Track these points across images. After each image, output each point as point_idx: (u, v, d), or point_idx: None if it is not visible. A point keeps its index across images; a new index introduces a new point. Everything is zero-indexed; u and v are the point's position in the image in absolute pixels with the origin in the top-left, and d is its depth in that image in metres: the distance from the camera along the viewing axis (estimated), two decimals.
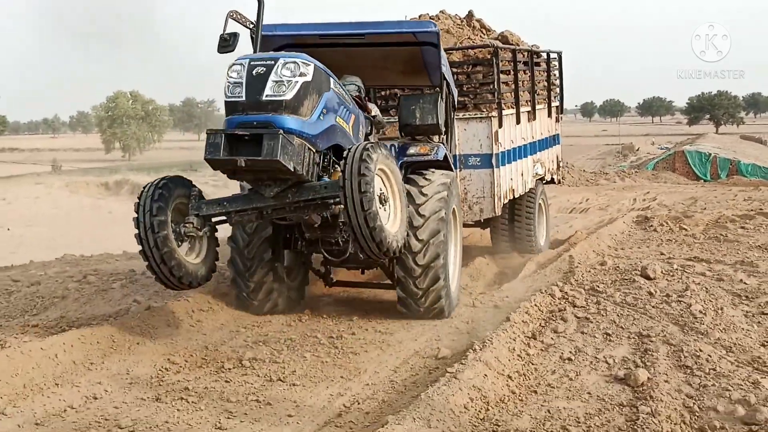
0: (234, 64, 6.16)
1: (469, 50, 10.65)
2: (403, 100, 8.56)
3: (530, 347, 6.45)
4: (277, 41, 8.19)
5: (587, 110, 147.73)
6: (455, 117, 9.44)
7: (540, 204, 11.89)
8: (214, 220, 6.65)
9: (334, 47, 8.30)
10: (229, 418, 5.19)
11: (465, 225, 10.44)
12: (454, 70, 10.00)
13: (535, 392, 5.55)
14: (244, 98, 6.03)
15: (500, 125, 10.15)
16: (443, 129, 8.50)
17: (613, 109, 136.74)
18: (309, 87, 6.19)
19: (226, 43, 6.68)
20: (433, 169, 7.96)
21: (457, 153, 9.95)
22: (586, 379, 5.76)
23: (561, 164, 14.12)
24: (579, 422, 4.95)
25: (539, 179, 12.09)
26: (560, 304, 7.67)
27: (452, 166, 8.69)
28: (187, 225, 6.38)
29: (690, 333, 6.70)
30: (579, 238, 12.14)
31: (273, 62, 6.10)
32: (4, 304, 8.36)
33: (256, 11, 6.91)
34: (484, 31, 11.91)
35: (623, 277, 8.59)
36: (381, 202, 6.12)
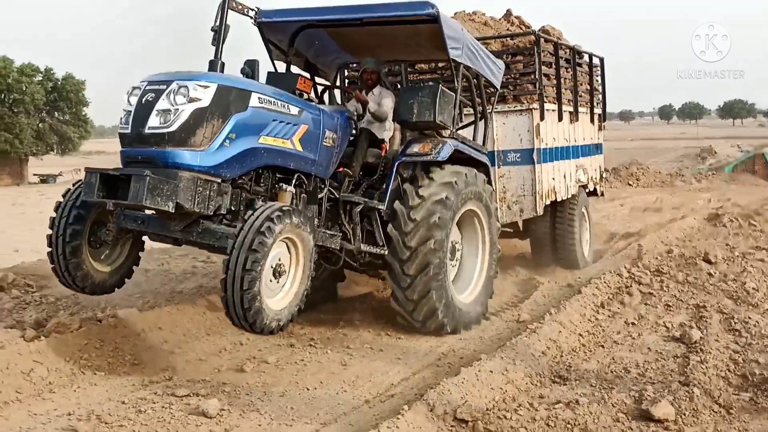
0: (133, 89, 5.74)
1: (509, 40, 10.10)
2: (401, 94, 7.82)
3: (599, 314, 7.51)
4: (288, 25, 7.66)
5: (665, 113, 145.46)
6: (493, 108, 8.69)
7: (583, 213, 11.31)
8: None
9: (350, 27, 7.71)
10: (351, 358, 6.44)
11: (502, 234, 9.54)
12: None
13: (602, 346, 6.63)
14: (129, 131, 5.59)
15: (542, 118, 9.58)
16: (448, 123, 7.55)
17: (692, 112, 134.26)
18: (205, 113, 5.52)
19: (218, 36, 6.16)
20: (445, 166, 7.32)
21: (495, 149, 9.44)
22: (646, 338, 6.80)
23: (604, 175, 13.42)
24: (638, 366, 6.01)
25: (582, 186, 11.47)
26: (627, 282, 8.67)
27: (483, 158, 8.05)
28: (107, 232, 6.19)
29: (742, 305, 7.65)
30: (649, 230, 13.03)
31: (165, 86, 5.53)
32: (144, 278, 9.78)
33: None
34: (523, 28, 11.28)
35: (686, 262, 9.53)
36: (275, 275, 5.50)
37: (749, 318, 7.15)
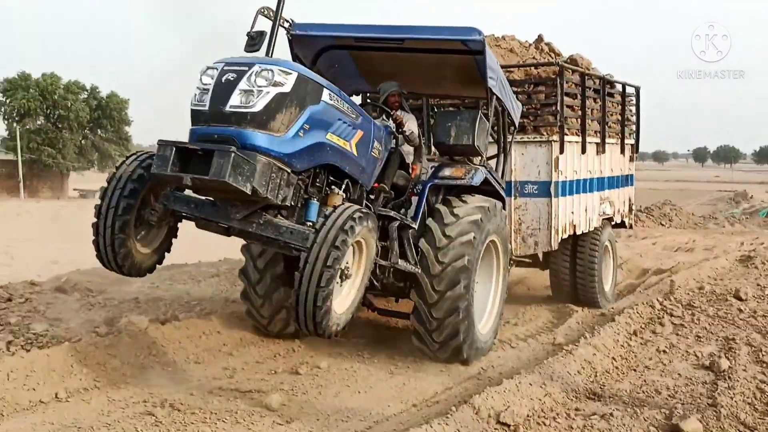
0: (207, 68, 5.60)
1: (532, 69, 9.93)
2: (438, 117, 7.87)
3: (631, 341, 7.87)
4: (316, 42, 7.60)
5: (700, 155, 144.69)
6: (512, 145, 8.72)
7: (606, 246, 10.94)
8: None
9: (380, 51, 7.70)
10: (396, 368, 6.88)
11: (520, 263, 10.09)
12: (515, 89, 9.15)
13: (634, 370, 6.99)
14: (207, 108, 5.43)
15: (561, 151, 9.42)
16: (483, 150, 7.62)
17: (727, 155, 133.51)
18: (285, 99, 5.45)
19: (253, 42, 6.09)
20: (474, 194, 7.43)
21: (513, 180, 9.28)
22: (677, 365, 7.14)
23: (633, 207, 13.00)
24: (668, 389, 6.37)
25: (607, 219, 11.14)
26: (659, 313, 9.00)
27: (503, 193, 8.08)
28: (152, 212, 5.93)
29: None
30: (680, 268, 13.32)
31: (247, 68, 5.45)
32: (197, 288, 10.31)
33: (275, 6, 6.28)
34: (553, 55, 11.14)
35: (717, 298, 9.84)
36: (341, 278, 5.40)
37: None
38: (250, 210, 5.68)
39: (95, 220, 5.70)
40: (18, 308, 8.12)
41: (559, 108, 9.30)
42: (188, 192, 5.85)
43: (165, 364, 6.43)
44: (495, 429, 5.07)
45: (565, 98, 9.43)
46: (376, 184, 6.83)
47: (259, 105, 5.32)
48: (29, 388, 5.64)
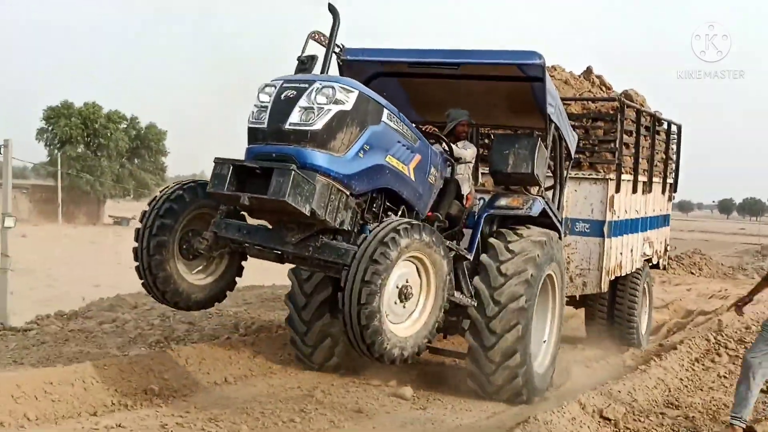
0: (265, 86, 5.45)
1: (590, 103, 9.68)
2: (495, 143, 7.55)
3: (694, 366, 8.77)
4: (366, 68, 7.42)
5: (725, 207, 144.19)
6: (567, 176, 8.39)
7: (645, 288, 10.72)
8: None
9: (430, 78, 7.51)
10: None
11: None
12: (572, 123, 8.86)
13: (701, 389, 7.89)
14: (265, 125, 5.28)
15: (617, 190, 9.14)
16: (542, 180, 7.32)
17: (753, 208, 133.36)
18: (346, 117, 5.27)
19: (304, 66, 5.82)
20: (530, 225, 7.10)
21: (563, 216, 8.59)
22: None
23: (668, 248, 12.85)
24: (723, 408, 7.27)
25: (646, 261, 10.95)
26: (714, 345, 9.89)
27: (560, 225, 7.78)
28: (201, 241, 5.73)
29: None
30: (723, 310, 14.17)
31: (307, 86, 5.29)
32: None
33: (330, 29, 6.06)
34: (604, 88, 10.89)
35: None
36: (400, 298, 5.11)
37: None
38: (306, 234, 5.43)
39: (136, 244, 5.62)
40: (147, 314, 9.18)
41: (618, 146, 9.10)
42: (239, 219, 5.76)
43: (290, 362, 7.43)
44: (599, 422, 6.02)
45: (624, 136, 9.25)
46: (430, 213, 6.47)
47: (319, 123, 5.15)
48: (204, 372, 6.70)
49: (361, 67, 7.32)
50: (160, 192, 5.71)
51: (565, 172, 8.15)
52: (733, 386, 8.08)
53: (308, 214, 5.06)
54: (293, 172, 4.94)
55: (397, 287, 5.08)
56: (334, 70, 6.86)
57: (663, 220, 11.96)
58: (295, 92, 5.26)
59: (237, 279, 6.17)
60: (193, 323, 9.00)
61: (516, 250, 6.69)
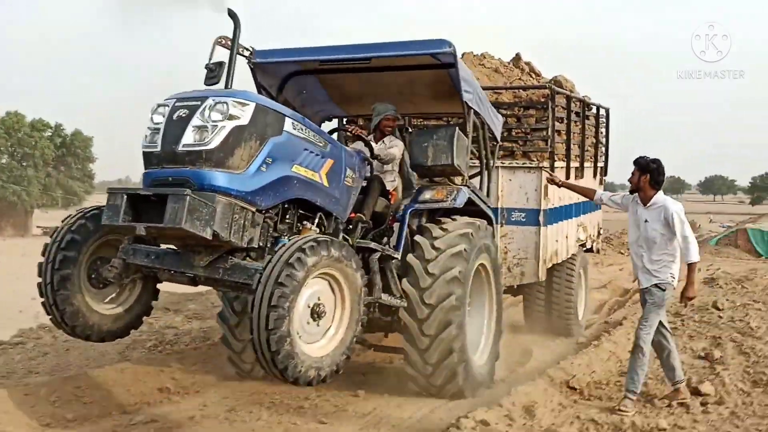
0: (158, 106, 5.25)
1: (521, 91, 9.75)
2: (414, 136, 7.48)
3: None
4: (280, 69, 7.31)
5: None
6: (495, 158, 8.42)
7: (580, 273, 10.88)
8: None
9: (347, 73, 7.39)
10: None
11: None
12: (504, 112, 9.14)
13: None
14: (159, 149, 5.09)
15: None
16: (464, 169, 7.25)
17: (673, 187, 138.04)
18: (243, 132, 5.10)
19: (212, 74, 5.58)
20: (456, 216, 7.03)
21: (499, 206, 9.04)
22: (680, 356, 8.99)
23: (601, 231, 13.16)
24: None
25: (581, 245, 11.10)
26: None
27: (489, 212, 7.69)
28: (110, 269, 5.47)
29: (748, 337, 9.86)
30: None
31: (199, 103, 5.09)
32: None
33: (232, 34, 5.71)
34: (534, 75, 11.00)
35: (698, 309, 11.78)
36: (313, 317, 4.95)
37: (755, 345, 9.32)
38: (215, 255, 5.24)
39: (39, 278, 5.37)
40: None
41: (550, 133, 9.18)
42: (149, 243, 5.54)
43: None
44: (566, 391, 6.85)
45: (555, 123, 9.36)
46: (353, 214, 6.42)
47: (214, 141, 4.99)
48: (208, 370, 7.38)
49: (275, 68, 7.22)
50: (62, 222, 5.44)
51: (491, 157, 8.11)
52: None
53: (210, 238, 4.88)
54: (188, 197, 4.74)
55: (309, 306, 4.90)
56: (245, 75, 6.95)
57: (595, 204, 11.30)
58: (187, 111, 5.09)
59: (153, 303, 5.96)
60: (177, 327, 9.55)
61: (442, 247, 6.60)
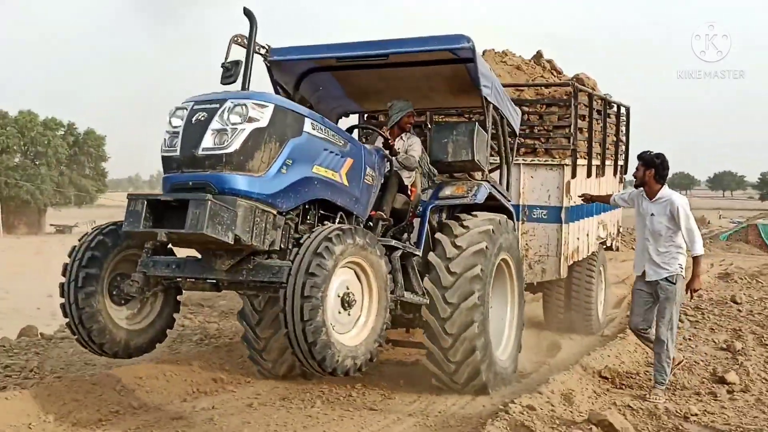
0: (176, 109, 5.21)
1: (543, 88, 9.77)
2: (434, 132, 7.41)
3: None
4: (296, 66, 7.28)
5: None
6: (515, 152, 8.35)
7: (600, 271, 10.84)
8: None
9: (363, 69, 7.31)
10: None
11: None
12: (526, 109, 9.24)
13: None
14: (178, 153, 5.05)
15: (573, 175, 9.24)
16: (484, 164, 7.21)
17: (682, 182, 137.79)
18: (263, 135, 5.08)
19: (229, 72, 5.73)
20: (476, 213, 6.96)
21: (521, 203, 9.10)
22: (701, 347, 9.28)
23: (621, 230, 13.10)
24: (704, 360, 8.54)
25: (601, 243, 11.09)
26: None
27: (509, 205, 7.69)
28: (131, 283, 5.39)
29: None
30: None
31: (218, 106, 5.06)
32: None
33: (248, 33, 5.78)
34: (555, 73, 10.99)
35: (718, 303, 12.14)
36: (343, 306, 4.96)
37: None
38: (237, 259, 5.20)
39: (62, 300, 5.34)
40: None
41: (572, 131, 9.17)
42: (168, 253, 5.54)
43: None
44: (599, 380, 7.21)
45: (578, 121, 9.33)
46: (373, 212, 6.42)
47: (234, 145, 4.95)
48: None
49: (291, 66, 7.19)
50: (79, 241, 5.40)
51: (510, 151, 8.09)
52: (697, 346, 9.44)
53: (232, 243, 4.87)
54: (209, 202, 4.72)
55: (339, 296, 4.92)
56: (261, 74, 6.84)
57: None
58: (206, 114, 5.04)
59: (175, 315, 5.94)
60: (217, 322, 9.96)
61: (463, 245, 6.57)
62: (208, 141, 4.96)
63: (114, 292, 5.44)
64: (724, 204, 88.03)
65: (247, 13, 5.58)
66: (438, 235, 6.73)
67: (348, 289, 5.00)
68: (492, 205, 7.25)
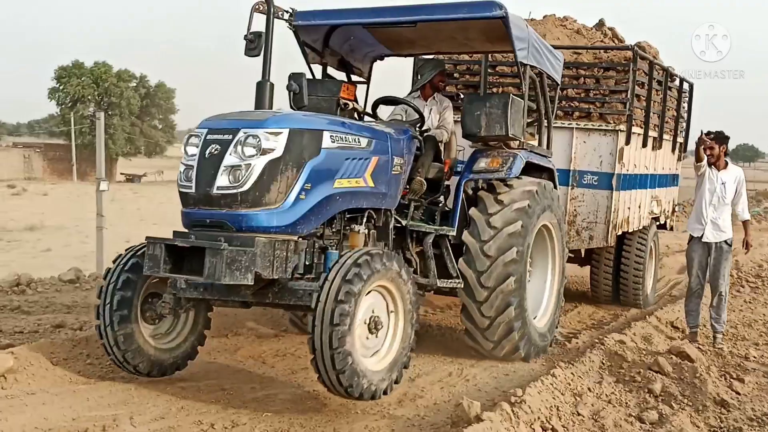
0: (191, 136, 5.19)
1: (602, 52, 9.35)
2: (465, 104, 6.94)
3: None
4: (321, 30, 7.08)
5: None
6: (555, 107, 7.87)
7: (651, 247, 10.44)
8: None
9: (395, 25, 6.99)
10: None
11: None
12: (583, 72, 9.05)
13: (733, 311, 9.97)
14: (193, 190, 5.05)
15: (627, 142, 8.85)
16: (520, 135, 6.86)
17: (746, 155, 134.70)
18: (279, 165, 4.99)
19: (252, 45, 5.67)
20: (512, 182, 6.76)
21: (571, 168, 8.80)
22: (759, 309, 10.24)
23: (676, 208, 12.70)
24: (756, 321, 9.49)
25: (654, 219, 10.75)
26: (738, 280, 12.15)
27: (550, 165, 7.54)
28: (163, 304, 5.53)
29: None
30: (735, 253, 16.47)
31: (230, 137, 4.98)
32: None
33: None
34: (617, 41, 10.39)
35: None
36: (370, 330, 4.98)
37: None
38: (260, 285, 5.18)
39: (97, 321, 5.44)
40: None
41: (629, 96, 8.80)
42: None
43: None
44: (671, 329, 8.33)
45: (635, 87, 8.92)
46: (404, 192, 6.44)
47: (248, 182, 4.92)
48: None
49: (316, 28, 7.05)
50: (114, 263, 5.51)
51: (551, 103, 7.71)
52: (757, 308, 10.45)
53: (251, 283, 4.89)
54: (225, 252, 4.73)
55: (365, 322, 4.95)
56: (285, 39, 6.77)
57: (672, 179, 11.78)
58: (218, 147, 5.00)
59: (205, 332, 6.05)
60: None
61: (498, 226, 6.47)
62: (222, 180, 4.97)
63: (147, 313, 5.59)
64: None
65: None
66: (472, 212, 6.66)
67: (374, 312, 5.03)
68: (532, 164, 7.17)
